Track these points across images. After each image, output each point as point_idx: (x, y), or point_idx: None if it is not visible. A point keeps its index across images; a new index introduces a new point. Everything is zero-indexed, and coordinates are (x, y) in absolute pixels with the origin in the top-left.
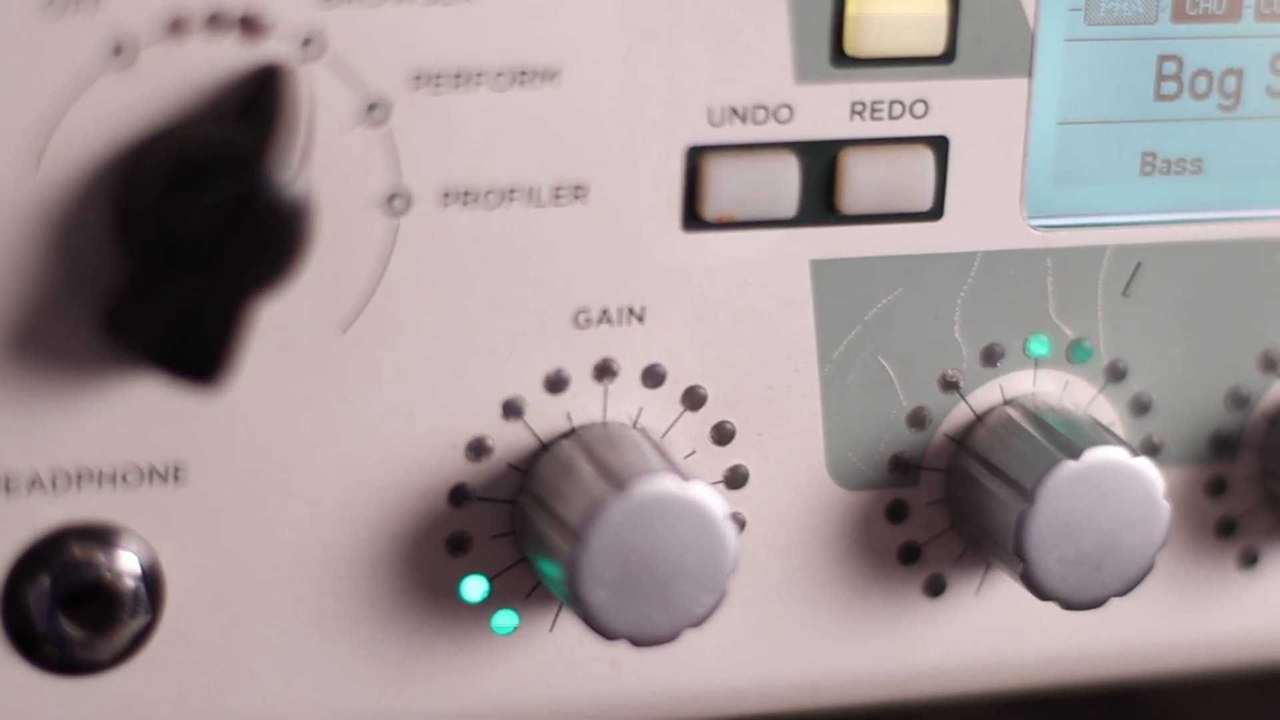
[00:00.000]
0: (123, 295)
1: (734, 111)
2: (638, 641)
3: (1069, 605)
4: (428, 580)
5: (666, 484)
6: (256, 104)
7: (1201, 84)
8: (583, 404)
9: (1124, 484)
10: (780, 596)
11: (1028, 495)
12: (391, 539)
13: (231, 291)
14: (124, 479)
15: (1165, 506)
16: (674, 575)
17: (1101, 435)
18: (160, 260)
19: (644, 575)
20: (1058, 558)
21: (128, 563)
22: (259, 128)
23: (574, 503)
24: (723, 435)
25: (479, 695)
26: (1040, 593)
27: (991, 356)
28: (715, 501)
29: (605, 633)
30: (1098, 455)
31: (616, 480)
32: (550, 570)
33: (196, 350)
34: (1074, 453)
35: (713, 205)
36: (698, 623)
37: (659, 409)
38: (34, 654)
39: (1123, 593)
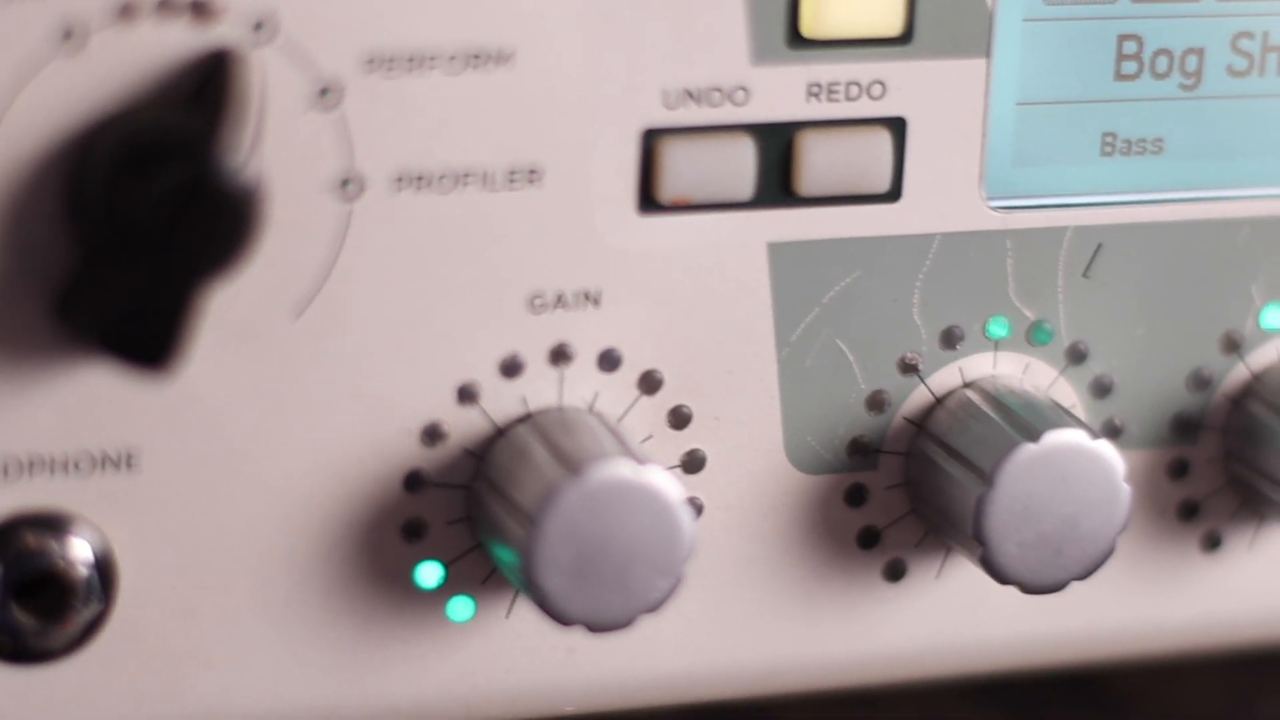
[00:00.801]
0: (73, 281)
1: (689, 94)
2: (594, 627)
3: (1029, 589)
4: (383, 567)
5: (622, 469)
6: (207, 89)
7: (1162, 63)
8: (538, 389)
9: (1084, 467)
10: (738, 581)
11: (987, 478)
12: (346, 525)
13: (182, 277)
14: (76, 466)
15: (1126, 489)
16: (630, 560)
17: (1061, 418)
18: (111, 246)
19: (600, 560)
20: (1017, 541)
21: (80, 551)
22: (209, 113)
23: (529, 488)
24: (679, 419)
25: (435, 682)
26: (1000, 576)
27: (951, 339)
28: (671, 486)
29: (561, 618)
30: (1057, 438)
31: (572, 465)
32: (505, 556)
33: (147, 336)
34: (1033, 435)
35: (668, 188)
36: (654, 608)
37: (615, 393)
38: None
39: (1083, 576)
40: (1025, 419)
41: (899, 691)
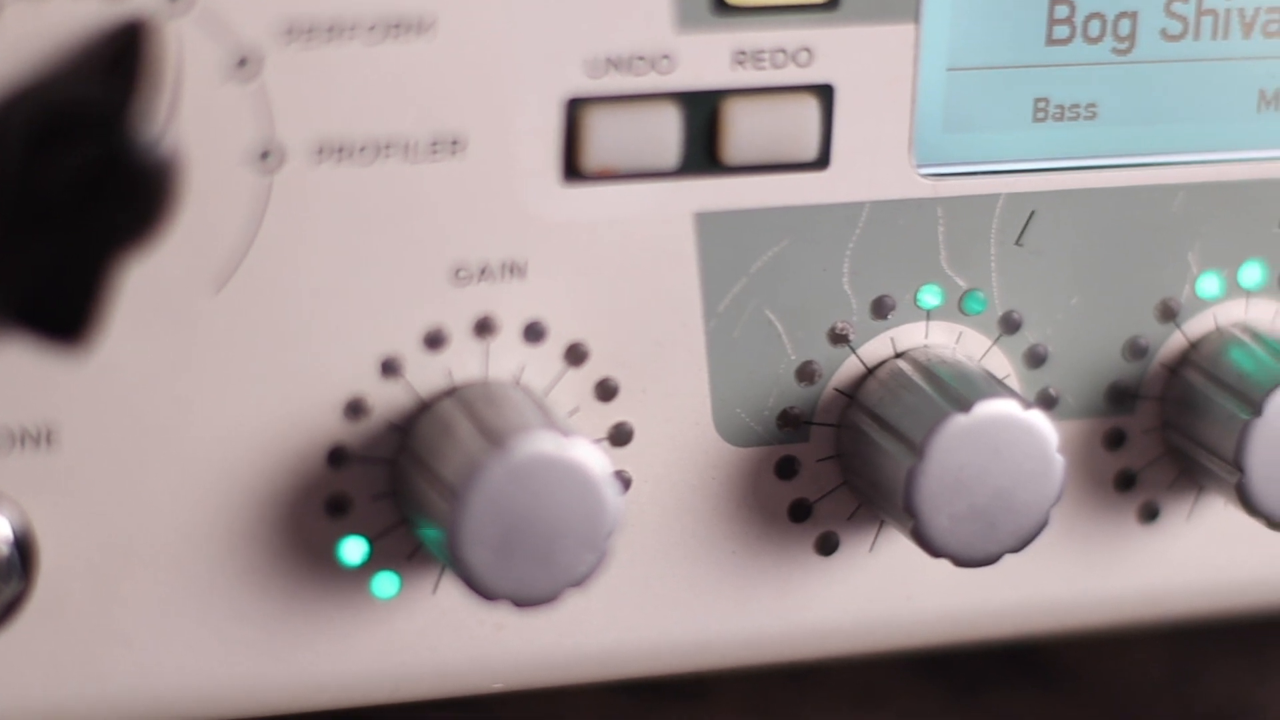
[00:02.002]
0: None
1: (613, 62)
2: (519, 602)
3: (961, 562)
4: (307, 543)
5: (546, 443)
6: (121, 61)
7: (1095, 27)
8: (463, 361)
9: (1016, 438)
10: (667, 556)
11: (917, 450)
12: (269, 501)
13: (97, 251)
14: None
15: (1059, 461)
16: (555, 535)
17: (993, 388)
18: (25, 220)
19: (525, 535)
20: (949, 514)
21: None
22: (123, 86)
23: (453, 462)
24: (606, 392)
25: (361, 659)
26: (931, 550)
27: (882, 308)
28: (596, 459)
29: (486, 594)
30: (988, 409)
31: (496, 439)
32: (430, 531)
33: (63, 310)
34: (964, 406)
35: (592, 158)
36: (580, 583)
37: (541, 366)
38: None
39: (1017, 549)
40: (956, 389)
41: (836, 666)
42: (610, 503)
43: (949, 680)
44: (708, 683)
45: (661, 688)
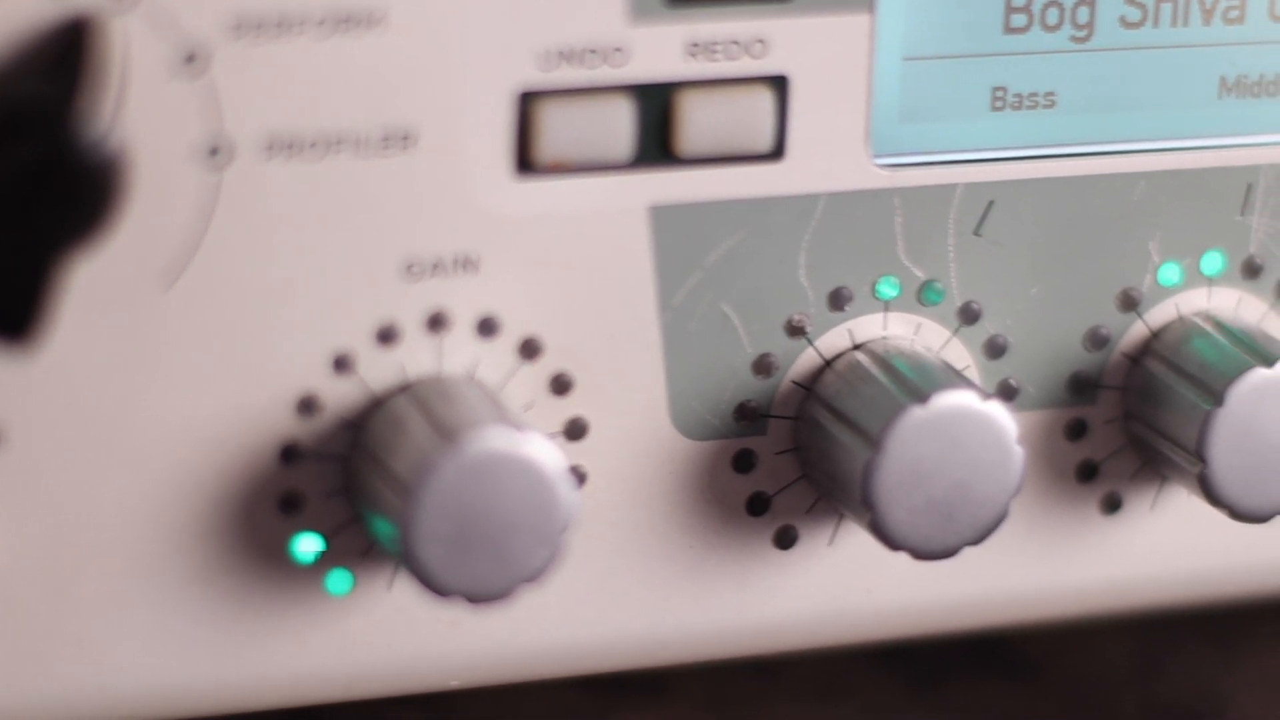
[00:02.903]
0: None
1: (566, 55)
2: (473, 599)
3: (920, 555)
4: (260, 541)
5: (499, 438)
6: (66, 58)
7: (1053, 15)
8: (417, 357)
9: (974, 429)
10: (624, 551)
11: (875, 443)
12: (221, 499)
13: (43, 249)
14: None
15: (1018, 452)
16: (509, 531)
17: (951, 379)
18: None
19: (479, 531)
20: (907, 507)
21: None
22: (68, 83)
23: (406, 458)
24: (561, 386)
25: (315, 657)
26: (889, 542)
27: (839, 300)
28: (550, 455)
29: (439, 590)
30: (946, 400)
31: (449, 435)
32: (383, 528)
33: (8, 309)
34: (921, 398)
35: (546, 151)
36: (534, 579)
37: (495, 360)
38: None
39: (976, 541)
40: (914, 381)
41: (798, 659)
42: (564, 498)
43: (912, 672)
44: (669, 677)
45: (622, 683)
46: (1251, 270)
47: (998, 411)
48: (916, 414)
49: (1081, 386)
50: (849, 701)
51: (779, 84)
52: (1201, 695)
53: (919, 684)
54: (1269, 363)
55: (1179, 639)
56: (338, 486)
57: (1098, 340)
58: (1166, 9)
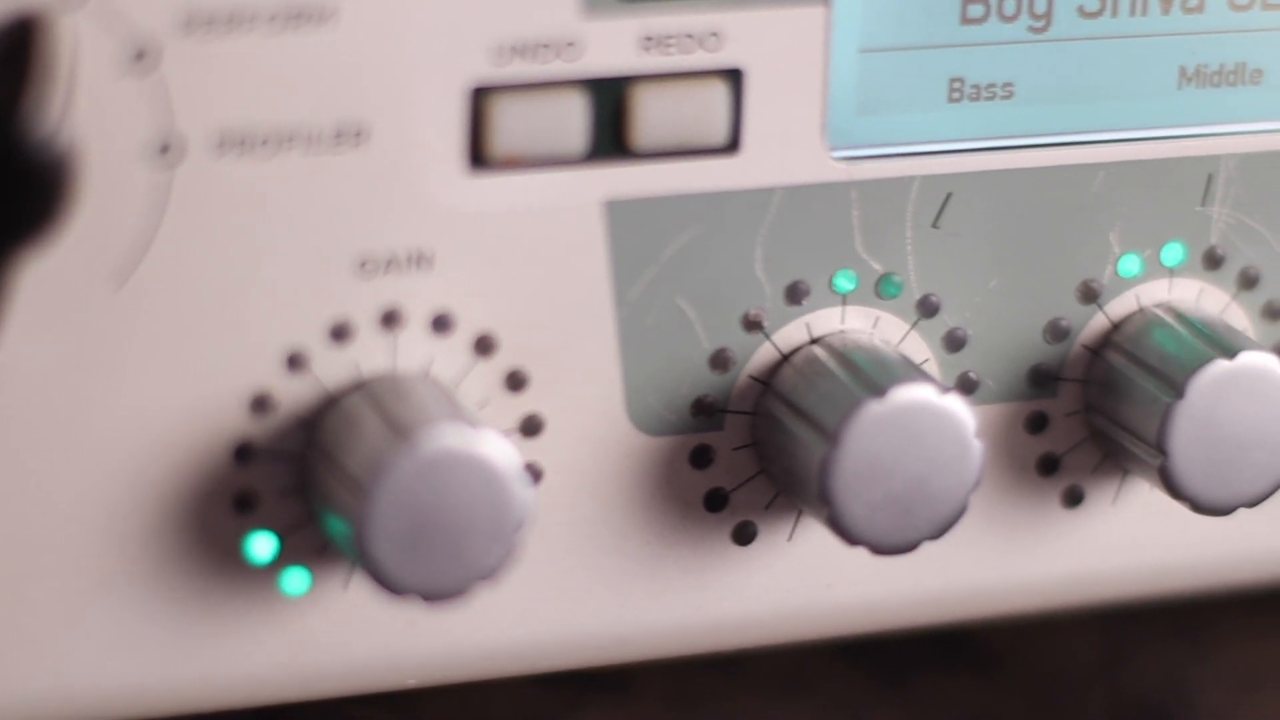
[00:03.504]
0: None
1: (519, 49)
2: (428, 597)
3: (878, 550)
4: (214, 540)
5: (452, 436)
6: (13, 57)
7: (1010, 6)
8: (371, 354)
9: (932, 424)
10: (582, 548)
11: (832, 437)
12: (175, 499)
13: None
14: None
15: (977, 446)
16: (463, 529)
17: (909, 373)
18: None
19: (433, 529)
20: (865, 502)
21: None
22: (16, 81)
23: (360, 457)
24: (516, 382)
25: (271, 656)
26: (848, 538)
27: (796, 294)
28: (503, 452)
29: (394, 589)
30: (904, 394)
31: (403, 433)
32: (338, 526)
33: None
34: (879, 392)
35: (499, 146)
36: (489, 577)
37: (450, 357)
38: None
39: (935, 536)
40: (871, 375)
41: (762, 654)
42: (518, 496)
43: (877, 667)
44: (632, 674)
45: (586, 680)
46: (1213, 261)
47: (956, 405)
48: (874, 408)
49: (1042, 379)
50: (813, 696)
51: (733, 77)
52: (1168, 688)
53: (883, 679)
54: (1230, 354)
55: (1145, 632)
56: (292, 485)
57: (1058, 332)
58: None
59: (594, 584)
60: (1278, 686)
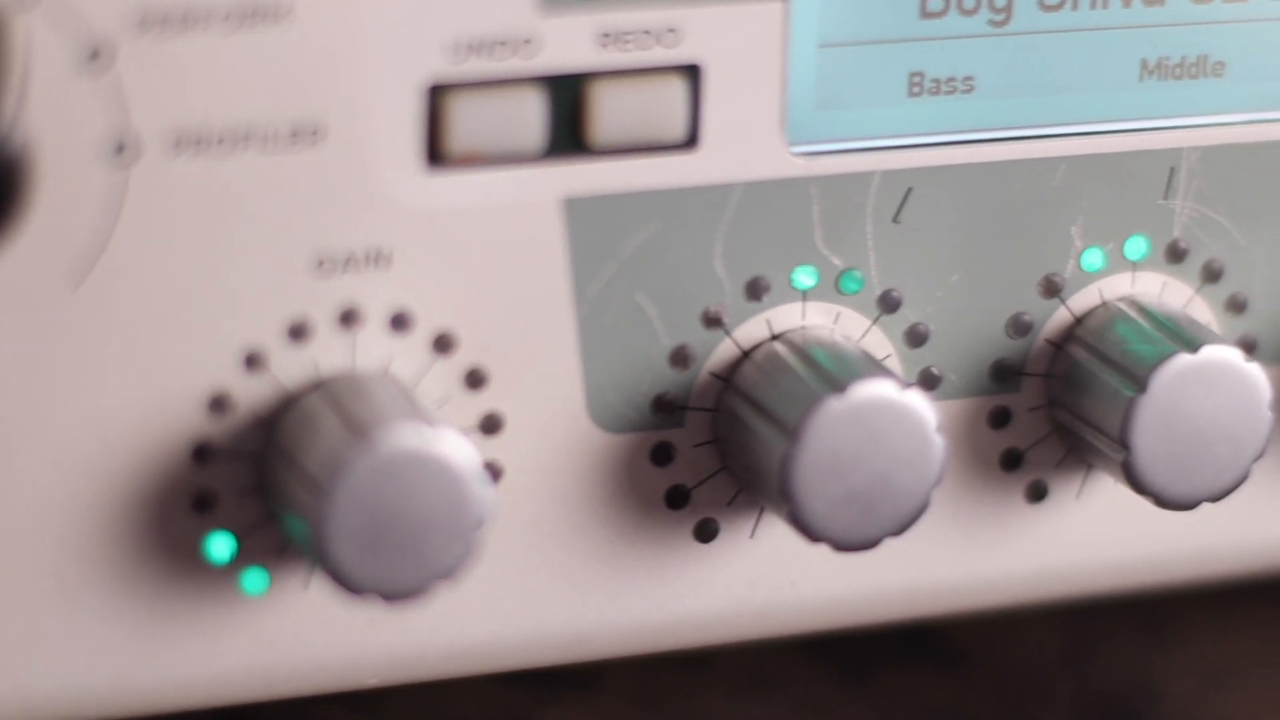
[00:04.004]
0: None
1: (475, 46)
2: (388, 597)
3: (840, 547)
4: (173, 541)
5: (410, 435)
6: None
7: None
8: (330, 353)
9: (893, 420)
10: (542, 546)
11: (792, 434)
12: (134, 500)
13: None
14: None
15: (938, 442)
16: (422, 528)
17: (869, 369)
18: None
19: (391, 529)
20: (826, 498)
21: None
22: None
23: (318, 456)
24: (476, 380)
25: (232, 657)
26: (809, 534)
27: (756, 290)
28: (462, 451)
29: (352, 588)
30: (864, 390)
31: (361, 432)
32: (296, 526)
33: None
34: (839, 388)
35: (456, 144)
36: (448, 576)
37: (409, 356)
38: None
39: (897, 532)
40: (831, 371)
41: (727, 651)
42: (477, 495)
43: (843, 662)
44: (598, 671)
45: (552, 677)
46: (1176, 254)
47: (917, 401)
48: (834, 405)
49: (1004, 374)
50: (779, 693)
51: (692, 73)
52: (1134, 682)
53: (849, 674)
54: (1193, 348)
55: (1111, 626)
56: (251, 485)
57: (1020, 327)
58: None
59: (555, 582)
60: (1244, 680)
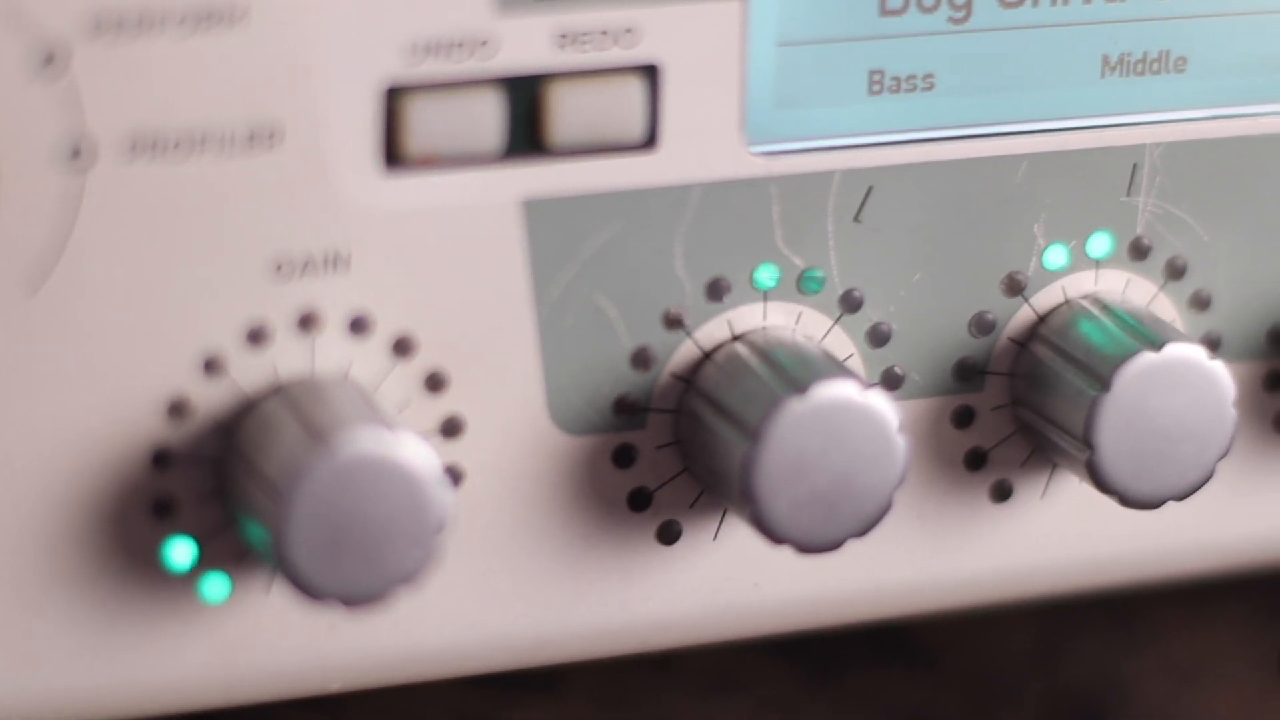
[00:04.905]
0: None
1: (432, 48)
2: (348, 601)
3: (803, 548)
4: (133, 547)
5: (370, 440)
6: None
7: None
8: (289, 358)
9: (855, 420)
10: (504, 549)
11: (753, 435)
12: (93, 505)
13: None
14: None
15: (901, 443)
16: (382, 533)
17: (830, 369)
18: None
19: (351, 534)
20: (788, 500)
21: None
22: None
23: (278, 461)
24: (436, 383)
25: (193, 663)
26: (771, 536)
27: (717, 291)
28: (422, 455)
29: (313, 594)
30: (825, 391)
31: (320, 437)
32: (256, 532)
33: None
34: (800, 389)
35: (414, 146)
36: (409, 580)
37: (369, 359)
38: None
39: (860, 534)
40: (792, 372)
41: (693, 652)
42: (437, 499)
43: (810, 663)
44: (562, 673)
45: (516, 679)
46: (1139, 251)
47: (878, 402)
48: (795, 406)
49: (968, 373)
50: (746, 694)
51: (650, 73)
52: (1104, 680)
53: (817, 675)
54: (1156, 346)
55: (1080, 624)
56: (211, 490)
57: (983, 326)
58: None
59: (517, 585)
60: (1214, 677)
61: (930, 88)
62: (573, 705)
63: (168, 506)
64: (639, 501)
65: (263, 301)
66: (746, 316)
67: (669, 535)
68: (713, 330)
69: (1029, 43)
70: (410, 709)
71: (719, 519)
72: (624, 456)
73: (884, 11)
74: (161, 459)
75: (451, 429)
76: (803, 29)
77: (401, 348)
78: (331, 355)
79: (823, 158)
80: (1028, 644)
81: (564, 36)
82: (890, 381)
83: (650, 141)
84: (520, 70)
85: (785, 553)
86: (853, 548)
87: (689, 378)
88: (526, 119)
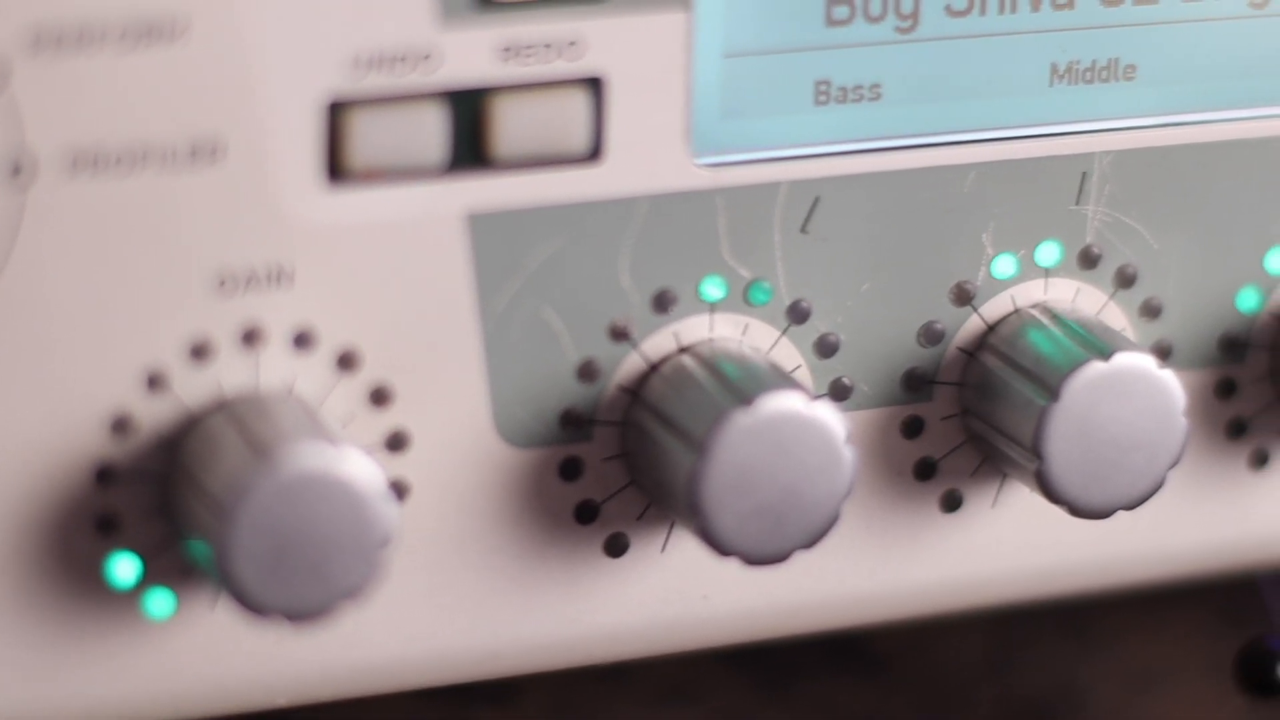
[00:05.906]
0: None
1: (375, 61)
2: (293, 617)
3: (751, 560)
4: (76, 563)
5: (313, 455)
6: None
7: (876, 6)
8: (233, 373)
9: (801, 432)
10: (451, 563)
11: (700, 448)
12: (35, 522)
13: None
14: None
15: (848, 455)
16: (326, 548)
17: (776, 381)
18: None
19: (295, 550)
20: (735, 512)
21: None
22: None
23: (221, 477)
24: (381, 397)
25: (138, 680)
26: (719, 549)
27: (664, 303)
28: (365, 471)
29: (257, 609)
30: (771, 403)
31: (263, 453)
32: (200, 548)
33: None
34: (746, 401)
35: (357, 160)
36: (354, 595)
37: (313, 374)
38: None
39: (808, 545)
40: (738, 384)
41: (646, 663)
42: (382, 514)
43: (762, 672)
44: (515, 684)
45: (470, 690)
46: (1089, 260)
47: (825, 413)
48: (741, 418)
49: (917, 383)
50: (698, 704)
51: (594, 85)
52: (1057, 687)
53: (769, 684)
54: (1105, 355)
55: (1033, 631)
56: (155, 506)
57: (932, 336)
58: None
59: (465, 599)
60: (1167, 684)
61: (877, 97)
62: (527, 715)
63: (111, 522)
64: (586, 514)
65: (206, 317)
66: (693, 328)
67: (617, 548)
68: (659, 342)
69: (976, 51)
70: (365, 718)
71: (667, 531)
72: (570, 469)
73: (830, 21)
74: (105, 475)
75: (396, 443)
76: (748, 40)
77: (346, 362)
78: (275, 370)
79: (769, 169)
80: (980, 651)
81: (508, 49)
82: (838, 392)
83: (595, 154)
84: (464, 83)
85: (734, 565)
86: (803, 559)
87: (635, 390)
88: (470, 132)
